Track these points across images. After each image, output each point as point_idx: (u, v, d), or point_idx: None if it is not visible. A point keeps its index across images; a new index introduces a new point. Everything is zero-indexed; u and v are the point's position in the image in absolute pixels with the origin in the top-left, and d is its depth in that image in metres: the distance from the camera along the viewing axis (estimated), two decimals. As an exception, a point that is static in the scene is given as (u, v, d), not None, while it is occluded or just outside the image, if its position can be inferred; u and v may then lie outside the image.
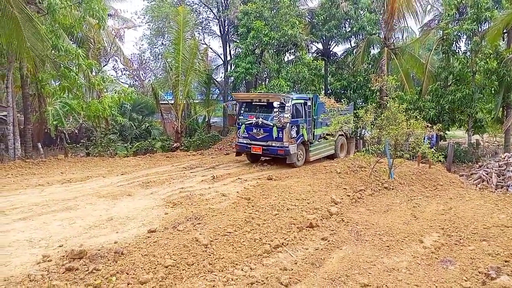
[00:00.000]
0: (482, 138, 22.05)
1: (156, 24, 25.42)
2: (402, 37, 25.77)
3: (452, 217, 8.18)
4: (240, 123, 13.98)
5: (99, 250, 5.84)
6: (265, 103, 13.48)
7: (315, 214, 7.89)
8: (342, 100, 17.44)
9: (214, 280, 5.19)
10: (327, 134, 15.08)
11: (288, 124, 12.90)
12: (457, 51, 18.87)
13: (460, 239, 6.92)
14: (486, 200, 9.72)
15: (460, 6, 18.78)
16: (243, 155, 14.72)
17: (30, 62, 12.97)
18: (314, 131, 14.49)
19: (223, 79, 26.75)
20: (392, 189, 10.81)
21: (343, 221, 7.85)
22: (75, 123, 20.78)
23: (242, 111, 14.20)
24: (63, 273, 5.23)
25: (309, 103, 14.25)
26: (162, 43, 26.66)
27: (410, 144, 12.23)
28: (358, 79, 20.78)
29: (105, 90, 17.51)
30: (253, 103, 13.97)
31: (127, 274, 5.25)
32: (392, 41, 22.12)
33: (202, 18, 26.53)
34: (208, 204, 8.63)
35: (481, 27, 17.85)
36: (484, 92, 18.10)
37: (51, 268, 5.34)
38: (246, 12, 19.57)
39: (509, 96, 18.14)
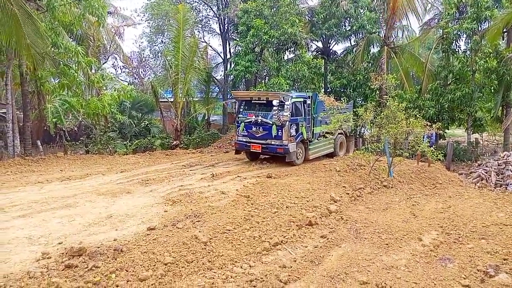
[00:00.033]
0: (482, 137, 22.03)
1: (156, 22, 25.41)
2: (402, 36, 25.75)
3: (451, 215, 8.20)
4: (240, 121, 13.98)
5: (98, 247, 5.84)
6: (265, 102, 13.47)
7: (314, 212, 7.90)
8: (341, 99, 17.47)
9: (213, 278, 5.20)
10: (327, 133, 15.06)
11: (287, 122, 12.90)
12: (457, 50, 18.85)
13: (459, 237, 6.94)
14: (485, 199, 9.75)
15: (460, 5, 18.76)
16: (242, 153, 14.72)
17: (30, 59, 12.96)
18: (313, 130, 14.49)
19: (223, 77, 26.75)
20: (392, 187, 10.83)
21: (342, 219, 7.86)
22: (75, 121, 20.73)
23: (241, 109, 14.19)
24: (62, 270, 5.23)
25: (308, 101, 14.24)
26: (161, 41, 26.68)
27: (409, 143, 12.24)
28: (358, 78, 20.77)
29: (104, 88, 17.49)
30: (253, 101, 13.96)
31: (127, 271, 5.25)
32: (392, 40, 22.11)
33: (202, 16, 26.54)
34: (207, 202, 8.64)
35: (481, 26, 17.83)
36: (483, 91, 18.10)
37: (51, 265, 5.34)
38: (246, 10, 19.54)
39: (508, 95, 18.15)
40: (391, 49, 21.00)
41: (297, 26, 18.83)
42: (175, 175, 11.63)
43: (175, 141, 19.66)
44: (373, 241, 6.73)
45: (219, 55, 28.12)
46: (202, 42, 26.41)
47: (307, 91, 17.16)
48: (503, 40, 18.89)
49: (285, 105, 12.69)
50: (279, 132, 13.02)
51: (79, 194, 9.12)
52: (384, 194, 10.21)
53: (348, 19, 21.39)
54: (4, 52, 14.47)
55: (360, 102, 20.98)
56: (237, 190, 9.71)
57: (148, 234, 6.53)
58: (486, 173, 12.77)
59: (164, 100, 23.22)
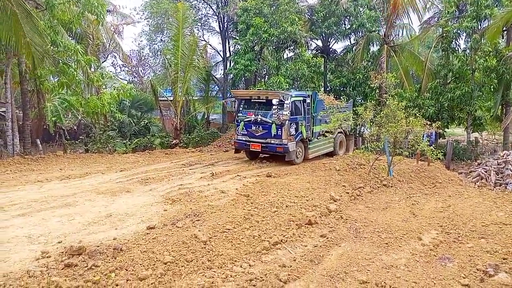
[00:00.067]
0: (481, 136, 22.07)
1: (155, 20, 25.37)
2: (402, 34, 25.74)
3: (450, 214, 8.20)
4: (239, 120, 13.97)
5: (98, 246, 5.83)
6: (264, 100, 13.47)
7: (314, 211, 7.90)
8: (341, 98, 17.50)
9: (213, 277, 5.20)
10: (326, 132, 15.06)
11: (287, 121, 12.89)
12: (456, 48, 18.86)
13: (459, 236, 6.94)
14: (484, 198, 9.75)
15: (460, 3, 18.77)
16: (242, 152, 14.71)
17: (29, 58, 12.95)
18: (313, 129, 14.48)
19: (222, 76, 26.72)
20: (391, 186, 10.83)
21: (342, 218, 7.86)
22: (74, 120, 20.73)
23: (241, 108, 14.18)
24: (62, 269, 5.23)
25: (308, 100, 14.23)
26: (161, 39, 26.63)
27: (409, 142, 12.24)
28: (358, 77, 20.75)
29: (104, 87, 17.49)
30: (252, 100, 13.94)
31: (126, 270, 5.25)
32: (391, 38, 22.09)
33: (202, 14, 26.49)
34: (207, 201, 8.64)
35: (480, 24, 17.83)
36: (483, 90, 18.10)
37: (50, 264, 5.34)
38: (246, 9, 19.52)
39: (508, 94, 18.16)
40: (391, 47, 20.98)
41: (297, 25, 18.81)
42: (175, 174, 11.63)
43: (175, 140, 19.65)
44: (372, 240, 6.73)
45: (219, 53, 28.12)
46: (202, 40, 26.39)
47: (307, 90, 17.17)
48: (502, 38, 18.89)
49: (285, 104, 12.69)
50: (278, 131, 13.01)
51: (79, 193, 9.11)
52: (384, 193, 10.21)
53: (348, 17, 21.39)
54: (4, 51, 14.44)
55: (360, 101, 20.97)
56: (236, 189, 9.70)
57: (147, 233, 6.53)
58: (486, 172, 12.77)
59: (163, 98, 23.20)
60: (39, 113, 18.21)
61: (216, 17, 25.86)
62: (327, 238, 6.75)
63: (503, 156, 13.51)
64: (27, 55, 12.79)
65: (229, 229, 6.71)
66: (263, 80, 23.08)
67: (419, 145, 11.42)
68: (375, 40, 21.69)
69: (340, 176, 11.15)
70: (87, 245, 5.81)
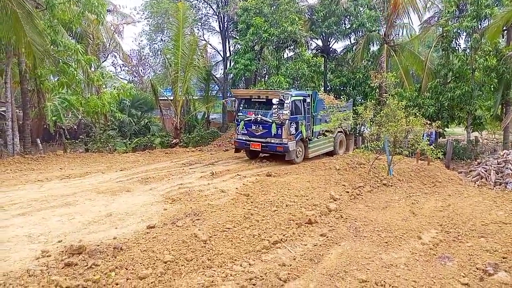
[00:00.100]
0: (481, 135, 22.06)
1: (155, 20, 25.38)
2: (402, 34, 25.74)
3: (450, 213, 8.21)
4: (239, 120, 13.97)
5: (98, 245, 5.84)
6: (264, 100, 13.47)
7: (314, 211, 7.91)
8: (341, 97, 17.47)
9: (213, 276, 5.20)
10: (326, 131, 15.07)
11: (287, 120, 12.89)
12: (456, 48, 18.84)
13: (458, 235, 6.95)
14: (484, 197, 9.76)
15: (460, 3, 18.74)
16: (242, 151, 14.72)
17: (29, 57, 12.96)
18: (313, 128, 14.49)
19: (223, 76, 26.72)
20: (391, 185, 10.83)
21: (342, 217, 7.87)
22: (74, 119, 20.77)
23: (241, 108, 14.18)
24: (62, 268, 5.23)
25: (308, 99, 14.23)
26: (161, 39, 26.65)
27: (409, 141, 12.24)
28: (358, 76, 20.75)
29: (104, 86, 17.51)
30: (252, 100, 13.95)
31: (126, 269, 5.26)
32: (391, 38, 22.09)
33: (202, 14, 26.49)
34: (207, 200, 8.64)
35: (481, 24, 17.81)
36: (483, 89, 18.09)
37: (50, 264, 5.34)
38: (246, 8, 19.52)
39: (508, 93, 18.15)
40: (391, 47, 20.98)
41: (297, 24, 18.81)
42: (175, 174, 11.63)
43: (175, 140, 19.66)
44: (372, 239, 6.74)
45: (219, 53, 28.12)
46: (202, 40, 26.41)
47: (307, 90, 17.17)
48: (503, 38, 18.88)
49: (285, 104, 12.69)
50: (278, 131, 13.02)
51: (79, 193, 9.12)
52: (384, 193, 10.21)
53: (348, 17, 21.39)
54: (4, 50, 14.45)
55: (360, 100, 20.97)
56: (236, 188, 9.71)
57: (147, 232, 6.53)
58: (486, 171, 12.76)
59: (163, 98, 23.20)
60: (39, 112, 18.23)
61: (216, 16, 25.86)
62: (327, 237, 6.75)
63: (503, 156, 13.51)
64: (27, 54, 12.81)
65: (229, 228, 6.71)
66: (263, 79, 23.10)
67: (419, 145, 11.42)
68: (375, 39, 21.69)
69: (340, 175, 11.15)
70: (87, 244, 5.81)
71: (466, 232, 7.07)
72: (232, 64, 22.48)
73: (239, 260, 5.72)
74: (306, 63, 19.52)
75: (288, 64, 19.82)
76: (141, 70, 29.24)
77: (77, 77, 14.13)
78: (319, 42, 24.37)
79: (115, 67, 27.39)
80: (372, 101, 13.05)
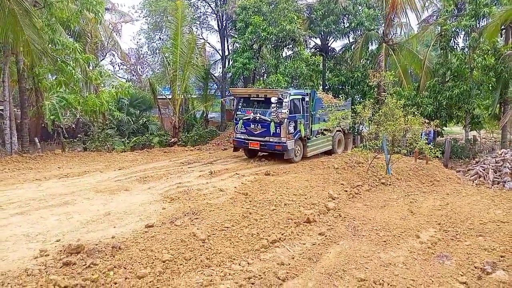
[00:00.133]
0: (479, 134, 22.09)
1: (154, 18, 25.34)
2: (400, 33, 25.75)
3: (448, 212, 8.22)
4: (238, 119, 13.97)
5: (96, 244, 5.83)
6: (263, 99, 13.46)
7: (312, 209, 7.91)
8: (340, 96, 17.45)
9: (211, 275, 5.20)
10: (325, 130, 15.08)
11: (285, 119, 12.89)
12: (455, 47, 18.85)
13: (457, 234, 6.96)
14: (482, 196, 9.77)
15: (458, 2, 18.76)
16: (240, 150, 14.72)
17: (27, 56, 12.92)
18: (311, 127, 14.49)
19: (221, 74, 26.71)
20: (389, 184, 10.85)
21: (340, 216, 7.88)
22: (72, 118, 20.74)
23: (239, 107, 14.18)
24: (60, 267, 5.22)
25: (307, 98, 14.23)
26: (159, 37, 26.60)
27: (407, 140, 12.25)
28: (356, 75, 20.76)
29: (102, 85, 17.47)
30: (251, 99, 13.94)
31: (125, 268, 5.25)
32: (390, 37, 22.09)
33: (200, 12, 26.45)
34: (205, 199, 8.63)
35: (479, 23, 17.83)
36: (481, 88, 18.12)
37: (49, 263, 5.33)
38: (244, 7, 19.48)
39: (506, 92, 18.19)
40: (390, 46, 20.99)
41: (296, 23, 18.78)
42: (173, 173, 11.62)
43: (173, 139, 19.64)
44: (371, 238, 6.75)
45: (217, 52, 28.10)
46: (200, 39, 26.33)
47: (305, 88, 17.15)
48: (501, 37, 18.92)
49: (284, 102, 12.69)
50: (277, 129, 13.02)
51: (77, 192, 9.10)
52: (382, 192, 10.23)
53: (347, 16, 21.37)
54: (1, 49, 14.41)
55: (358, 99, 20.98)
56: (235, 187, 9.70)
57: (146, 232, 6.52)
58: (484, 170, 12.82)
59: (162, 97, 23.16)
60: (37, 111, 18.18)
61: (214, 15, 25.83)
62: (326, 236, 6.76)
63: (501, 155, 13.56)
64: (25, 53, 12.79)
65: (227, 227, 6.71)
66: (261, 78, 23.07)
67: (417, 143, 11.44)
68: (373, 38, 21.69)
69: (339, 174, 11.16)
70: (86, 244, 5.81)
71: (464, 231, 7.08)
72: (230, 63, 22.44)
73: (238, 259, 5.72)
74: (304, 62, 19.50)
75: (286, 63, 19.80)
76: (140, 69, 29.20)
77: (75, 76, 14.09)
78: (318, 41, 24.38)
79: (113, 66, 27.37)
80: (371, 100, 13.06)
